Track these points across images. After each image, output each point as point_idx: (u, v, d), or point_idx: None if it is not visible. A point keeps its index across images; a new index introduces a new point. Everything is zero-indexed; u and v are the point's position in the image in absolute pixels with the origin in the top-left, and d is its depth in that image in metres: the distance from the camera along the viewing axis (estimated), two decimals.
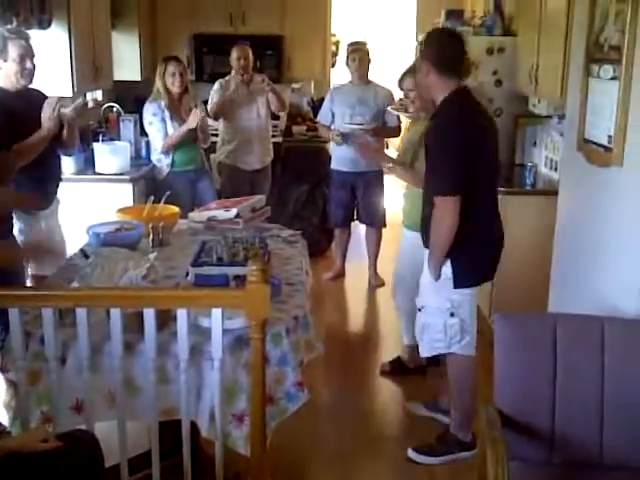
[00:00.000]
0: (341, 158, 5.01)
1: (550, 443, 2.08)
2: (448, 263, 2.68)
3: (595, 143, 2.47)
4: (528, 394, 2.10)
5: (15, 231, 3.09)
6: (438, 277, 2.72)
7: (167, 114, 4.46)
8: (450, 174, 2.56)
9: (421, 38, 2.90)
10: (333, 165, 5.11)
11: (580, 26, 2.66)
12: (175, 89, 4.45)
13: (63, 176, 3.62)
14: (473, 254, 2.68)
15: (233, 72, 5.08)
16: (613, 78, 2.33)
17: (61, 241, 3.54)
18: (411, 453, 2.99)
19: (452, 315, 2.76)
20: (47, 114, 3.19)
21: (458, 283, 2.69)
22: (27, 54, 3.16)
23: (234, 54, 5.01)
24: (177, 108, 4.51)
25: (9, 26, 3.29)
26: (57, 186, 3.53)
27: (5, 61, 3.11)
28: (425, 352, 2.95)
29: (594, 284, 2.48)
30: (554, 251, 2.94)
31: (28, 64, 3.16)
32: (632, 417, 1.99)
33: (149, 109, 4.51)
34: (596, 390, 2.06)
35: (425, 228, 2.78)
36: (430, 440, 3.03)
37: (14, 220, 3.06)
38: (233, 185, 4.97)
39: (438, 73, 2.62)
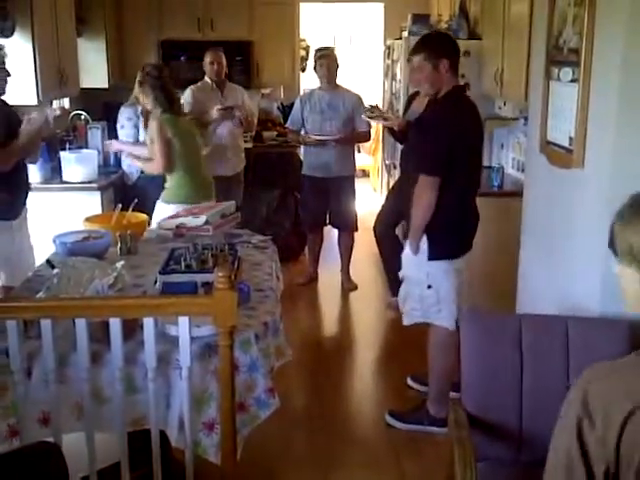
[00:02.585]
0: (312, 163, 5.02)
1: (518, 442, 2.11)
2: (425, 238, 2.98)
3: (557, 145, 2.50)
4: (495, 394, 2.12)
5: None
6: (416, 251, 3.01)
7: (141, 121, 4.41)
8: (435, 157, 2.89)
9: (423, 39, 3.22)
10: (304, 170, 5.13)
11: (540, 29, 2.70)
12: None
13: (30, 185, 3.59)
14: (446, 231, 2.98)
15: (206, 77, 5.09)
16: (573, 80, 2.37)
17: (30, 251, 3.50)
18: (387, 416, 3.29)
19: (429, 287, 3.04)
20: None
21: (431, 256, 2.99)
22: None
23: (207, 58, 5.02)
24: None
25: None
26: (26, 195, 3.49)
27: None
28: (405, 320, 3.21)
29: (558, 283, 2.52)
30: (520, 251, 2.98)
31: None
32: None
33: (124, 113, 4.52)
34: (561, 389, 2.07)
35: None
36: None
37: None
38: None
39: (451, 70, 2.96)
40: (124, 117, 4.51)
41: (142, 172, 4.49)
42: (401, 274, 3.20)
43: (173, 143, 3.81)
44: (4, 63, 3.21)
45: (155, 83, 3.82)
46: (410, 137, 4.10)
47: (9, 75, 3.26)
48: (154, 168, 3.92)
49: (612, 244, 1.38)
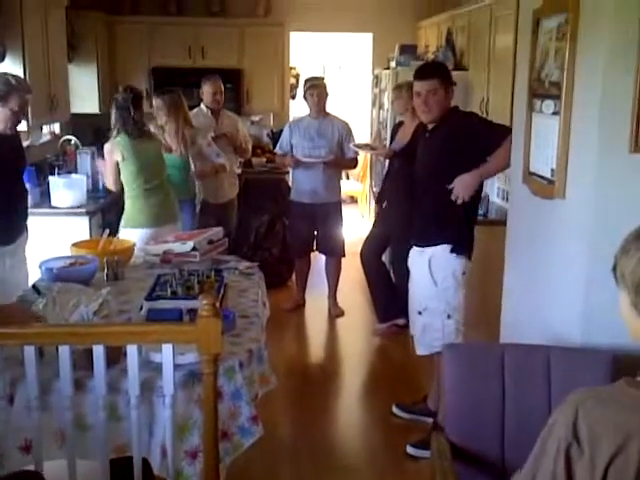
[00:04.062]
0: (300, 189, 5.06)
1: (500, 472, 2.10)
2: (452, 258, 3.19)
3: (539, 176, 2.54)
4: (477, 424, 2.13)
5: None
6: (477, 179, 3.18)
7: None
8: (499, 124, 3.22)
9: (429, 66, 3.70)
10: (292, 196, 5.16)
11: (523, 62, 2.75)
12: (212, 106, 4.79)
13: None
14: (468, 224, 3.26)
15: (202, 105, 5.14)
16: (554, 113, 2.41)
17: (25, 278, 3.48)
18: (409, 448, 3.27)
19: (449, 317, 3.22)
20: None
21: (458, 250, 3.19)
22: (24, 107, 3.28)
23: (207, 88, 5.04)
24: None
25: (17, 76, 3.36)
26: (25, 219, 3.51)
27: (2, 107, 3.18)
28: (423, 351, 3.33)
29: (541, 313, 2.54)
30: (504, 280, 3.00)
31: (21, 117, 3.30)
32: None
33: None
34: (543, 418, 2.08)
35: (424, 224, 3.28)
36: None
37: None
38: (202, 219, 4.98)
39: (451, 95, 3.25)
40: None
41: None
42: (418, 307, 3.30)
43: (124, 165, 3.86)
44: (27, 107, 3.37)
45: (120, 105, 3.84)
46: (397, 164, 4.23)
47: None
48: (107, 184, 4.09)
49: (614, 270, 1.42)
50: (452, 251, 3.19)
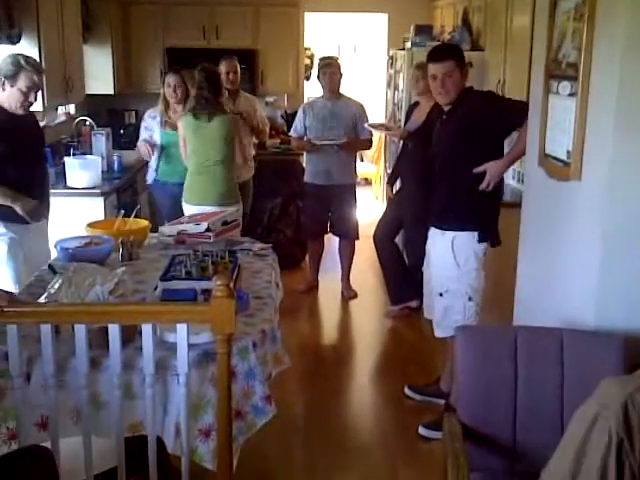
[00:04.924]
0: (314, 171, 5.05)
1: (511, 453, 2.11)
2: (474, 241, 3.18)
3: (555, 158, 2.52)
4: (489, 405, 2.13)
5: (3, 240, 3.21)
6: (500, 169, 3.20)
7: (158, 120, 4.62)
8: (519, 100, 3.23)
9: (443, 47, 3.69)
10: (306, 178, 5.15)
11: (540, 43, 2.72)
12: (171, 100, 4.56)
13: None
14: (494, 214, 3.31)
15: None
16: (571, 94, 2.39)
17: (46, 258, 3.52)
18: (421, 428, 3.28)
19: (470, 299, 3.22)
20: None
21: (483, 237, 3.19)
22: (34, 88, 3.28)
23: (222, 68, 4.96)
24: (170, 117, 4.61)
25: (29, 57, 3.37)
26: (46, 200, 3.54)
27: (12, 87, 3.21)
28: (442, 333, 3.31)
29: (555, 296, 2.53)
30: (518, 263, 2.99)
31: (31, 97, 3.30)
32: None
33: (148, 112, 4.74)
34: (556, 400, 2.10)
35: (445, 207, 3.26)
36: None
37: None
38: None
39: (466, 75, 3.24)
40: (146, 115, 4.73)
41: (156, 175, 4.62)
42: (439, 289, 3.29)
43: (187, 142, 4.20)
44: (39, 88, 3.38)
45: (197, 84, 4.13)
46: (414, 144, 4.20)
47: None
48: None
49: None
50: (479, 239, 3.19)
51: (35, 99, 3.34)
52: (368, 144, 5.13)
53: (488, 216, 3.25)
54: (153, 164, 4.65)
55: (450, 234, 3.22)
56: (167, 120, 4.59)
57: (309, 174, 5.12)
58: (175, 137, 4.38)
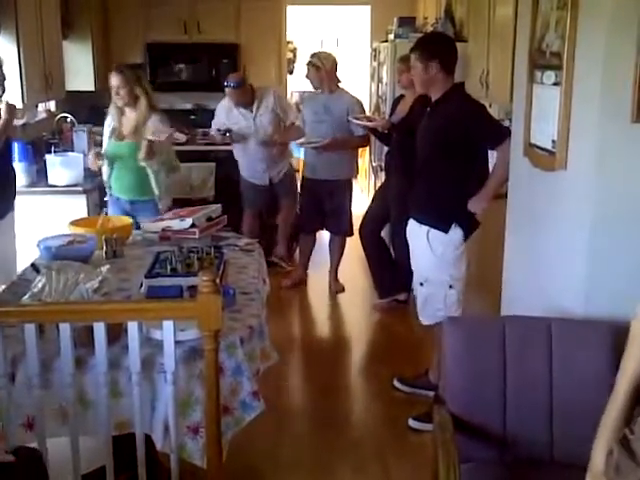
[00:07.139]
0: (311, 165, 5.02)
1: (502, 443, 2.11)
2: (457, 230, 3.17)
3: (540, 148, 2.52)
4: (479, 396, 2.13)
5: None
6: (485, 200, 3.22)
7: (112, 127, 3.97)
8: (497, 123, 3.25)
9: (419, 39, 3.44)
10: (303, 172, 5.13)
11: (523, 33, 2.72)
12: (118, 103, 3.85)
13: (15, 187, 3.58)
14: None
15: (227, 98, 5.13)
16: (555, 84, 2.38)
17: (13, 255, 3.48)
18: (411, 421, 3.27)
19: (450, 287, 3.22)
20: None
21: (469, 232, 3.21)
22: None
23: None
24: (119, 123, 3.91)
25: None
26: (13, 195, 3.47)
27: None
28: (427, 321, 3.34)
29: (542, 285, 2.53)
30: (504, 253, 2.99)
31: None
32: (580, 414, 2.03)
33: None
34: (545, 389, 2.10)
35: (422, 201, 3.27)
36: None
37: None
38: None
39: (445, 72, 3.11)
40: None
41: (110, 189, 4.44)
42: (419, 279, 3.32)
43: None
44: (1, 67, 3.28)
45: None
46: (395, 138, 4.23)
47: (5, 79, 3.28)
48: None
49: None
50: (453, 233, 3.19)
51: (3, 77, 3.27)
52: (363, 141, 5.03)
53: (462, 210, 3.21)
54: (104, 176, 4.04)
55: (425, 227, 3.24)
56: (117, 127, 3.89)
57: (305, 168, 5.10)
58: (124, 148, 3.84)
